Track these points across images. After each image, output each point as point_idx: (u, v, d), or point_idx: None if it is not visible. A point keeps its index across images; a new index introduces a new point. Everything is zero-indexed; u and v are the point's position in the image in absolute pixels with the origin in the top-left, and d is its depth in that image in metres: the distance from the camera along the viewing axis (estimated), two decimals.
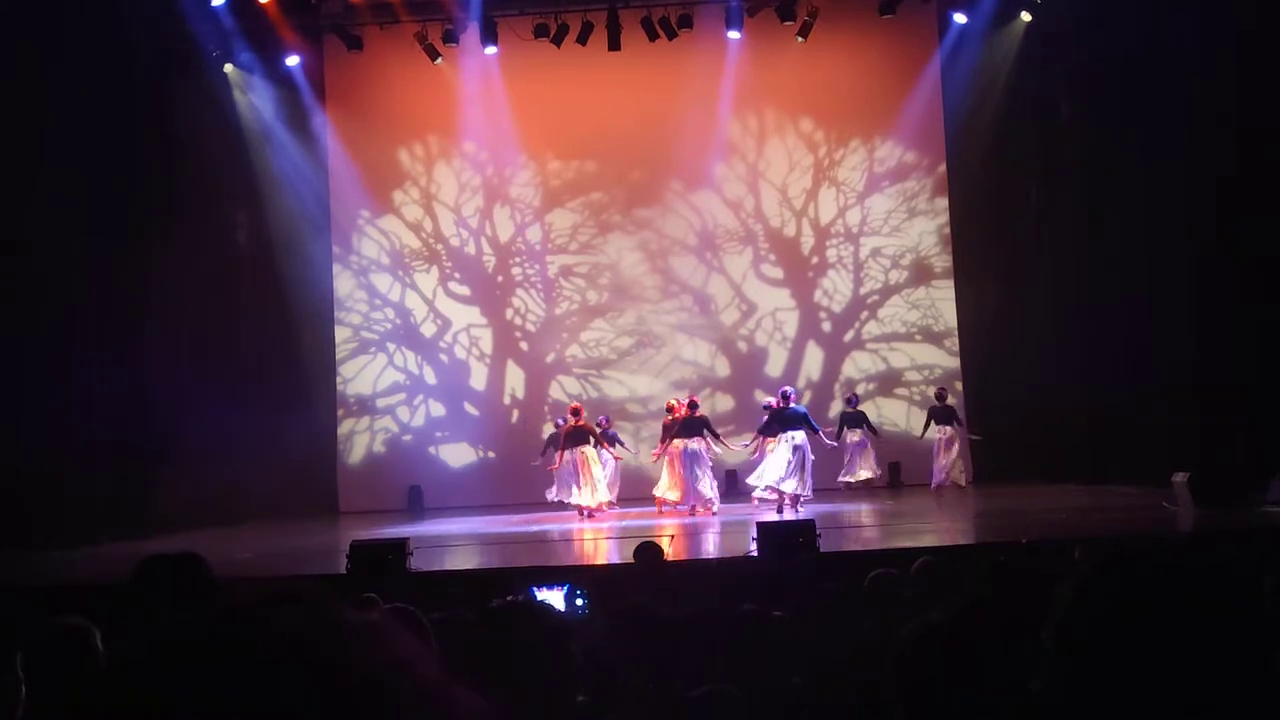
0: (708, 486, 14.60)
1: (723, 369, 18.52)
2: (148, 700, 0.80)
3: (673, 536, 11.94)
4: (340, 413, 18.57)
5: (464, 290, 18.80)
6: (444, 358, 18.74)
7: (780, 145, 18.63)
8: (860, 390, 17.64)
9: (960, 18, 17.48)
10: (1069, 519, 12.63)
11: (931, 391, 17.80)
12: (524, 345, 18.71)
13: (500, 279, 18.78)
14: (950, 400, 16.67)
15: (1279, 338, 12.57)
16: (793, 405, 14.43)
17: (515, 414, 18.67)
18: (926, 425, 16.39)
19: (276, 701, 0.78)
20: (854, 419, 16.46)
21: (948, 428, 16.28)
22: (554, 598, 5.14)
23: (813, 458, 14.18)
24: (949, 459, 16.18)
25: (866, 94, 18.22)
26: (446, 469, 18.48)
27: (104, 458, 14.08)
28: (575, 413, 15.20)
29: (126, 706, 0.80)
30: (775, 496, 14.16)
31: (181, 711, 0.78)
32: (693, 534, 12.74)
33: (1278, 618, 2.84)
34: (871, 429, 16.61)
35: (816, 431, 14.42)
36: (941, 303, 18.35)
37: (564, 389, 18.57)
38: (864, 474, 16.38)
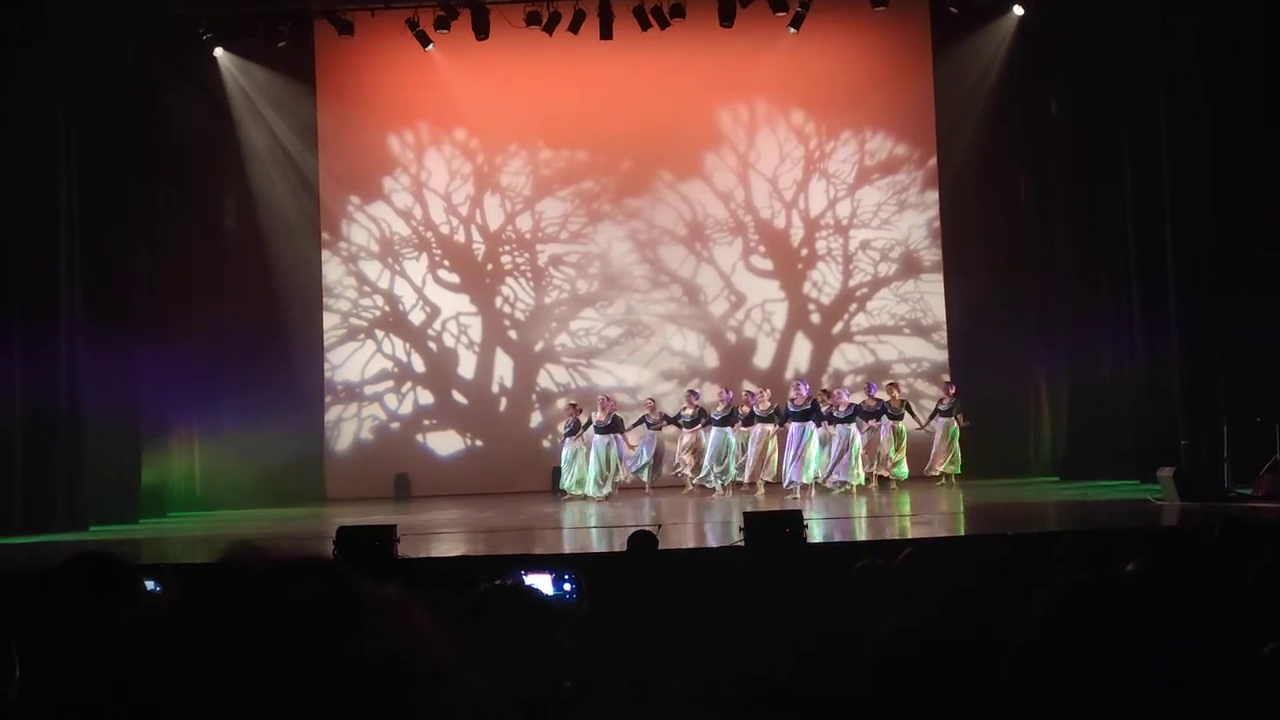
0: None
1: (711, 360, 18.53)
2: (164, 668, 0.80)
3: (660, 525, 11.97)
4: (328, 399, 18.53)
5: (453, 278, 18.78)
6: (433, 345, 18.72)
7: (771, 136, 18.62)
8: (848, 382, 17.65)
9: (953, 10, 17.48)
10: (1054, 512, 12.70)
11: (920, 384, 17.87)
12: (513, 334, 18.69)
13: (490, 267, 18.75)
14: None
15: (1265, 333, 12.64)
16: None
17: (503, 402, 18.66)
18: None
19: (293, 673, 0.79)
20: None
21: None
22: (542, 582, 5.14)
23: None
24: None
25: (858, 86, 18.21)
26: (434, 457, 18.47)
27: (90, 442, 14.03)
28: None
29: (144, 674, 0.81)
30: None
31: (198, 680, 0.79)
32: (683, 523, 12.78)
33: (1258, 611, 2.87)
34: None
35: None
36: (930, 296, 18.38)
37: (552, 378, 18.58)
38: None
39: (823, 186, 18.56)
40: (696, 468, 16.14)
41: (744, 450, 15.88)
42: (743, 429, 15.93)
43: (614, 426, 16.18)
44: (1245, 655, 2.29)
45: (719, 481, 15.83)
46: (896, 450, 15.87)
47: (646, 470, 16.37)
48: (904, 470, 15.87)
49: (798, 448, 15.26)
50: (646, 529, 7.69)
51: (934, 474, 16.02)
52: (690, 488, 16.17)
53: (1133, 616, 1.53)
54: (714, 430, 15.97)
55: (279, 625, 0.81)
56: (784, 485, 15.41)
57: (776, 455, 15.68)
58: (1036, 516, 12.52)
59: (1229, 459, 12.77)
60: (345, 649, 0.81)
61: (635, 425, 16.56)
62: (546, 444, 18.14)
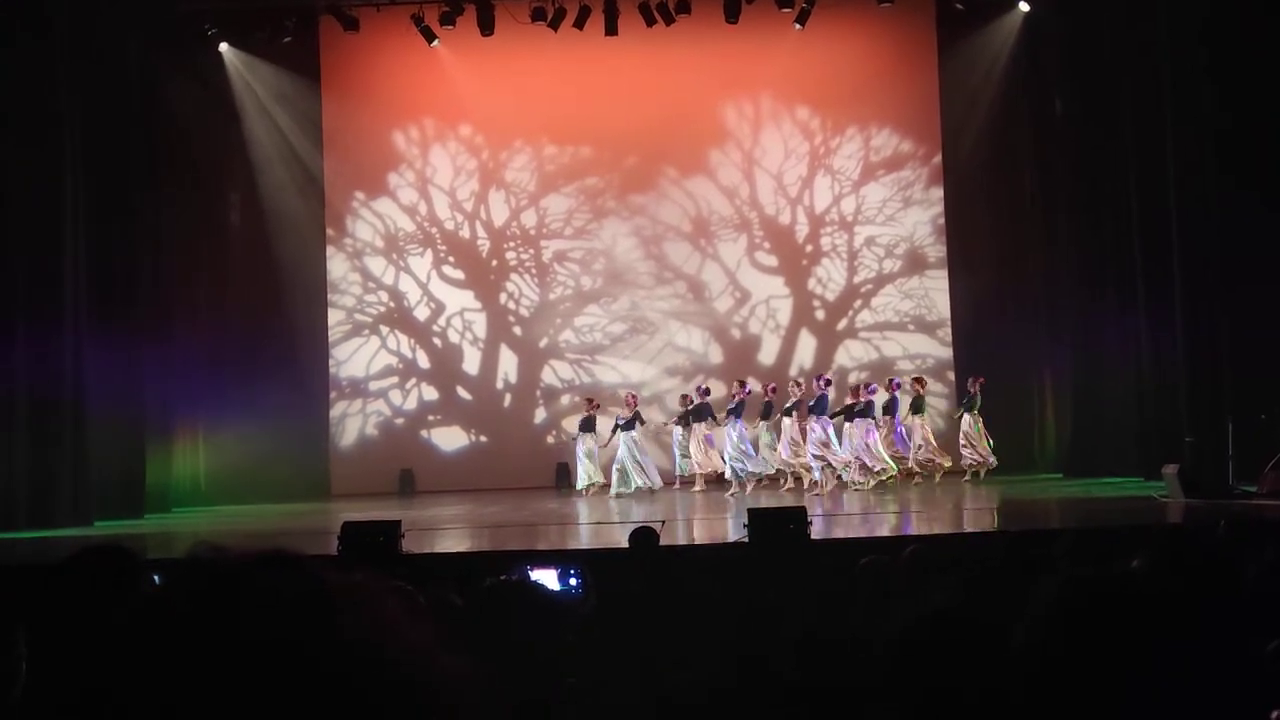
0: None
1: (716, 356, 18.53)
2: (139, 657, 0.81)
3: (664, 522, 11.97)
4: (333, 395, 18.55)
5: (458, 274, 18.79)
6: (437, 341, 18.73)
7: (776, 132, 18.61)
8: (853, 379, 17.62)
9: (958, 6, 17.48)
10: (1057, 510, 12.69)
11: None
12: (517, 330, 18.71)
13: (494, 263, 18.76)
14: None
15: (1270, 331, 12.62)
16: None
17: (508, 398, 18.67)
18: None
19: (263, 659, 0.80)
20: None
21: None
22: (548, 577, 5.14)
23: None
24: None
25: (863, 82, 18.19)
26: (439, 452, 18.49)
27: (95, 437, 14.05)
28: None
29: (119, 663, 0.82)
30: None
31: (173, 667, 0.80)
32: (689, 519, 12.79)
33: (1259, 609, 2.88)
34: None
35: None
36: (935, 293, 18.37)
37: (557, 374, 18.59)
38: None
39: (828, 183, 18.55)
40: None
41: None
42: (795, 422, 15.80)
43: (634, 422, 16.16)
44: (1245, 652, 2.29)
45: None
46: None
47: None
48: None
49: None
50: (648, 525, 7.69)
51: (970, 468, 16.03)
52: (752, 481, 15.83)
53: (1134, 613, 1.53)
54: (786, 421, 15.72)
55: (247, 616, 0.82)
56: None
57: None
58: (1040, 514, 12.52)
59: (1233, 456, 12.75)
60: (315, 637, 0.82)
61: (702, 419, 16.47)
62: (551, 439, 18.16)
